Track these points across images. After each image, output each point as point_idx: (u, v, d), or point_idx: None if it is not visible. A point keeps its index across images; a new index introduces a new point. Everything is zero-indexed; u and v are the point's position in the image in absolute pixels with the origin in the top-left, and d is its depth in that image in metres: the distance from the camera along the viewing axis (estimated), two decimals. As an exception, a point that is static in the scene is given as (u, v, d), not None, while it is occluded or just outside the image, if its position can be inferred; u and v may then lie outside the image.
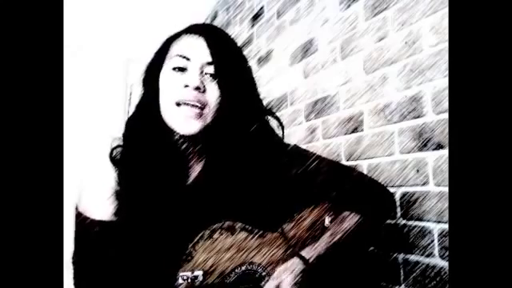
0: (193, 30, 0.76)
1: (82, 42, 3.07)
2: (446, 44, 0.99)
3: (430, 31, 1.04)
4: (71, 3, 2.39)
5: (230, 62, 0.73)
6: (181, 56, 0.72)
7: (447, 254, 0.95)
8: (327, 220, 0.80)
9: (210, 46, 0.72)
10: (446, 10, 0.99)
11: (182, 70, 0.71)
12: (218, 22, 2.77)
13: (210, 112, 0.71)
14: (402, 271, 1.09)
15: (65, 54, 0.63)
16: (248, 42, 2.25)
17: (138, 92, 0.79)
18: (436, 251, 0.99)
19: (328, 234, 0.77)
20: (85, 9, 2.69)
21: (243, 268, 0.73)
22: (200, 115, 0.70)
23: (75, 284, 0.71)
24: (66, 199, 0.64)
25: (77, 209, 0.71)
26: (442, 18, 1.00)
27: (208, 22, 2.95)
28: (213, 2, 2.83)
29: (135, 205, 0.71)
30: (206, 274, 0.70)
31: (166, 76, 0.72)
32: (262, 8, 2.10)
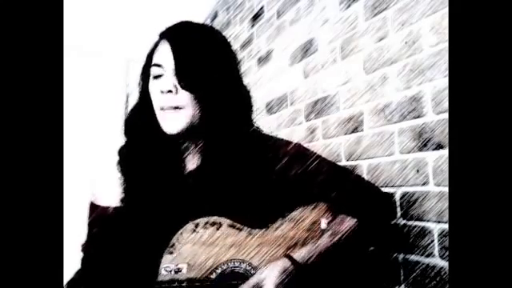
0: (164, 34, 0.80)
1: (82, 41, 3.07)
2: (446, 44, 0.99)
3: (430, 31, 1.04)
4: (71, 3, 2.39)
5: (195, 63, 0.75)
6: (155, 65, 0.78)
7: (447, 254, 0.95)
8: (323, 222, 0.79)
9: (173, 50, 0.76)
10: (446, 9, 0.99)
11: (159, 76, 0.77)
12: (217, 22, 2.77)
13: (189, 111, 0.76)
14: (402, 271, 1.10)
15: (65, 54, 0.63)
16: (248, 42, 2.25)
17: (135, 94, 0.85)
18: (436, 251, 0.99)
19: (323, 237, 0.77)
20: (85, 9, 2.69)
21: (230, 265, 0.73)
22: (179, 115, 0.76)
23: (82, 270, 0.79)
24: (66, 198, 0.64)
25: (91, 202, 0.80)
26: (442, 17, 1.00)
27: (208, 21, 2.95)
28: (213, 2, 2.83)
29: (133, 195, 0.77)
30: (190, 267, 0.70)
31: (151, 85, 0.79)
32: (262, 8, 2.10)
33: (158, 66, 0.77)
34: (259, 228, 0.75)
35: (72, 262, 0.80)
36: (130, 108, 0.85)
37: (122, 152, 0.82)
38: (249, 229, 0.75)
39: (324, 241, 0.76)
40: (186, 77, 0.75)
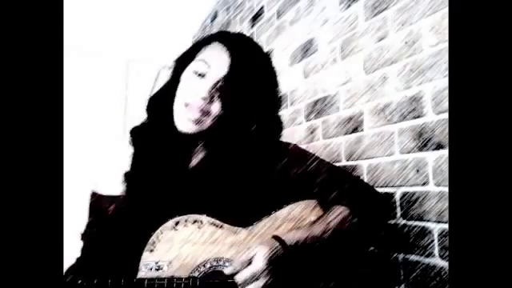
0: (223, 39, 0.79)
1: (82, 41, 3.07)
2: (446, 44, 0.99)
3: (430, 31, 1.04)
4: (71, 3, 2.39)
5: (246, 80, 0.75)
6: (203, 61, 0.76)
7: (447, 254, 0.95)
8: (313, 216, 0.78)
9: (232, 61, 0.75)
10: (446, 9, 0.99)
11: (201, 75, 0.76)
12: (217, 22, 2.77)
13: (209, 120, 0.76)
14: (402, 271, 1.10)
15: (65, 54, 0.63)
16: (248, 42, 2.24)
17: (164, 77, 0.85)
18: (436, 251, 0.99)
19: (313, 223, 0.76)
20: (85, 9, 2.69)
21: (213, 263, 0.72)
22: (199, 121, 0.75)
23: (82, 258, 0.79)
24: (66, 198, 0.64)
25: (92, 191, 0.81)
26: (442, 18, 1.00)
27: (208, 21, 2.95)
28: (213, 2, 2.83)
29: (135, 183, 0.78)
30: (171, 265, 0.70)
31: (186, 76, 0.78)
32: (261, 8, 2.10)
33: (206, 63, 0.76)
34: (243, 226, 0.75)
35: (72, 251, 0.80)
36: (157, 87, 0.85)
37: (136, 129, 0.83)
38: (232, 227, 0.74)
39: (316, 228, 0.75)
40: (230, 95, 0.75)
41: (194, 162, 0.83)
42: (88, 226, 0.81)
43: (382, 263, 1.16)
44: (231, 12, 2.53)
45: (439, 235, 0.98)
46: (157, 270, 0.69)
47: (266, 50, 2.14)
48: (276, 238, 0.71)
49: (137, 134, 0.82)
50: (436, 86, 1.01)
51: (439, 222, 0.98)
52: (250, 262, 0.68)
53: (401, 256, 1.10)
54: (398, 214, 1.12)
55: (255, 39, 2.15)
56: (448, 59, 0.96)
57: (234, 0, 2.49)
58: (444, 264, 0.96)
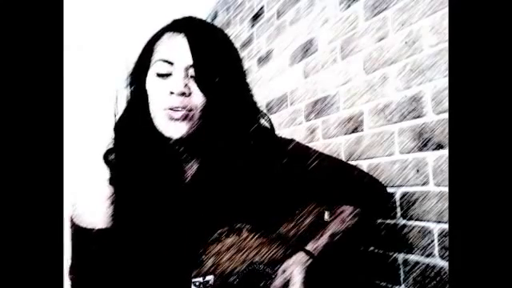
0: (174, 26, 0.72)
1: (82, 41, 3.07)
2: (446, 44, 0.99)
3: (430, 31, 1.04)
4: (71, 3, 2.39)
5: (213, 63, 0.69)
6: (163, 61, 0.69)
7: (447, 254, 0.95)
8: (326, 215, 0.81)
9: (191, 46, 0.68)
10: (446, 9, 0.99)
11: (166, 75, 0.69)
12: (217, 22, 2.77)
13: (196, 114, 0.69)
14: (401, 271, 1.09)
15: (65, 54, 0.63)
16: (248, 42, 2.25)
17: (124, 95, 0.76)
18: (436, 251, 0.99)
19: (328, 227, 0.78)
20: (85, 9, 2.69)
21: (249, 267, 0.73)
22: (186, 117, 0.68)
23: None
24: (67, 200, 0.64)
25: (71, 219, 0.69)
26: (442, 18, 1.00)
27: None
28: (213, 2, 2.83)
29: (132, 209, 0.68)
30: (216, 276, 0.70)
31: (152, 81, 0.70)
32: (262, 8, 2.10)
33: (168, 62, 0.69)
34: (271, 229, 0.76)
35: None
36: (120, 110, 0.76)
37: (114, 161, 0.73)
38: (262, 231, 0.75)
39: (330, 231, 0.77)
40: (205, 79, 0.68)
41: (190, 173, 0.77)
42: (76, 262, 0.69)
43: (382, 263, 1.16)
44: (231, 12, 2.53)
45: (439, 235, 0.98)
46: (205, 285, 0.68)
47: (266, 49, 2.14)
48: (305, 251, 0.73)
49: (117, 156, 0.73)
50: (436, 85, 1.01)
51: (439, 222, 0.98)
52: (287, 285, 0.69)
53: (401, 256, 1.10)
54: (398, 214, 1.12)
55: (255, 39, 2.16)
56: (448, 59, 0.96)
57: (234, 0, 2.49)
58: (444, 264, 0.96)
